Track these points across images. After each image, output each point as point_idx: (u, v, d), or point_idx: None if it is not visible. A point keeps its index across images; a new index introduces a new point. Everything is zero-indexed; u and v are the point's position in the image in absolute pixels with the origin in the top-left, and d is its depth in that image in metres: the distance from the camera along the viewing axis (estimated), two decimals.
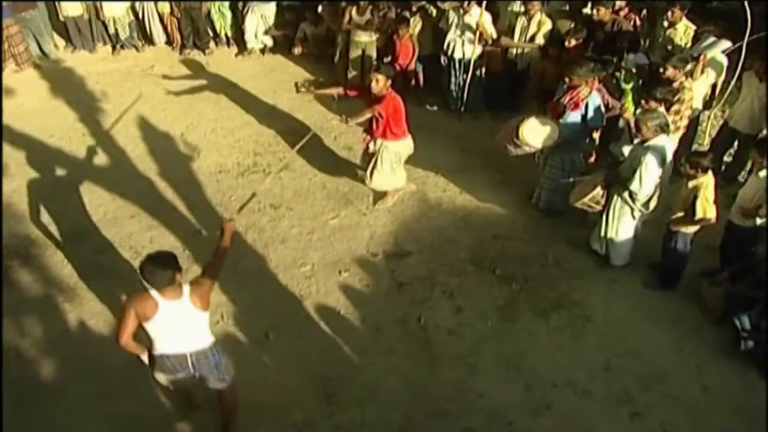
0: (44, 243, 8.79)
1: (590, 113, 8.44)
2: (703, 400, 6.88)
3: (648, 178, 7.47)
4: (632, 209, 7.87)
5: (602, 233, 8.19)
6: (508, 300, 8.01)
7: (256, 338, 7.57)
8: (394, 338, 7.61)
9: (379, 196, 9.52)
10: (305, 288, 8.19)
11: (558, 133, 8.39)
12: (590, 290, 8.11)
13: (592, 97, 8.43)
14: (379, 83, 8.58)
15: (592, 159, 9.36)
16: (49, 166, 10.19)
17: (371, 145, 9.16)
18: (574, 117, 8.49)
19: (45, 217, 9.21)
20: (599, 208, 8.05)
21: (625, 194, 7.78)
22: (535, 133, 8.40)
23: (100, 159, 10.33)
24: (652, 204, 7.78)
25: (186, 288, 5.65)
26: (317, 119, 11.40)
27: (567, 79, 8.57)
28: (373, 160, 9.12)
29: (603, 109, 8.53)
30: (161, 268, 5.49)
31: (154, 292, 5.55)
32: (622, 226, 8.05)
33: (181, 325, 5.70)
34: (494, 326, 7.71)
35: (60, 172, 10.07)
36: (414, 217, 9.27)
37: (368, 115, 8.83)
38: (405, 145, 9.15)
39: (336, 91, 9.70)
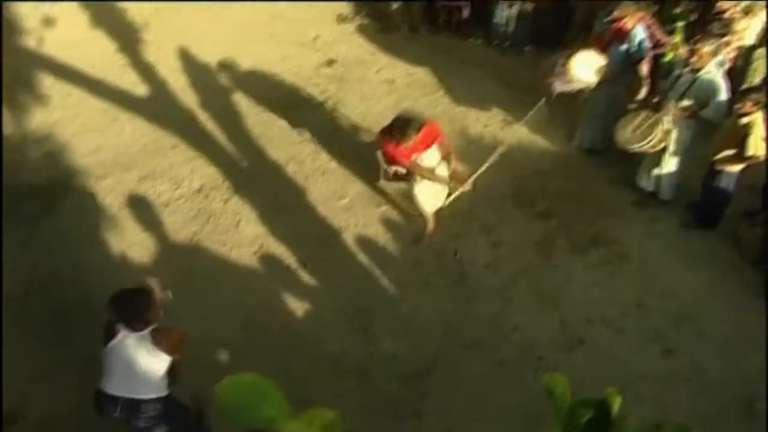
0: (86, 173, 9.13)
1: (635, 45, 8.47)
2: (735, 339, 7.12)
3: (719, 99, 7.55)
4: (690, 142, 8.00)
5: (655, 169, 8.29)
6: (545, 236, 8.25)
7: (294, 269, 7.94)
8: (430, 272, 7.93)
9: (420, 234, 8.44)
10: (344, 220, 8.49)
11: (605, 67, 8.43)
12: (628, 228, 8.30)
13: (638, 29, 8.43)
14: (414, 137, 7.45)
15: (642, 94, 9.29)
16: (91, 96, 10.45)
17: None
18: (619, 49, 8.52)
19: (86, 148, 9.50)
20: (661, 146, 8.00)
21: (692, 122, 7.85)
22: (584, 67, 8.40)
23: (142, 90, 10.60)
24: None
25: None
26: (359, 52, 11.54)
27: (613, 11, 8.60)
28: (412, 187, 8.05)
29: (648, 42, 8.56)
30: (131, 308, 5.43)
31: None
32: (678, 159, 8.15)
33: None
34: (531, 262, 7.98)
35: (101, 103, 10.34)
36: (454, 151, 9.41)
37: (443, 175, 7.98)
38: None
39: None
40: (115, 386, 5.56)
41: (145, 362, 5.48)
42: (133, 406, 5.57)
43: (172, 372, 5.61)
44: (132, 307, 5.44)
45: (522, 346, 7.15)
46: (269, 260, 8.06)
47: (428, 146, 7.68)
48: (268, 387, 3.14)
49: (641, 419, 2.98)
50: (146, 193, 8.86)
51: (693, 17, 9.14)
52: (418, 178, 7.86)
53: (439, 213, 8.28)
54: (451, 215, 8.46)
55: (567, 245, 8.13)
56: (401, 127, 7.37)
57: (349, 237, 8.30)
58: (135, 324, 5.43)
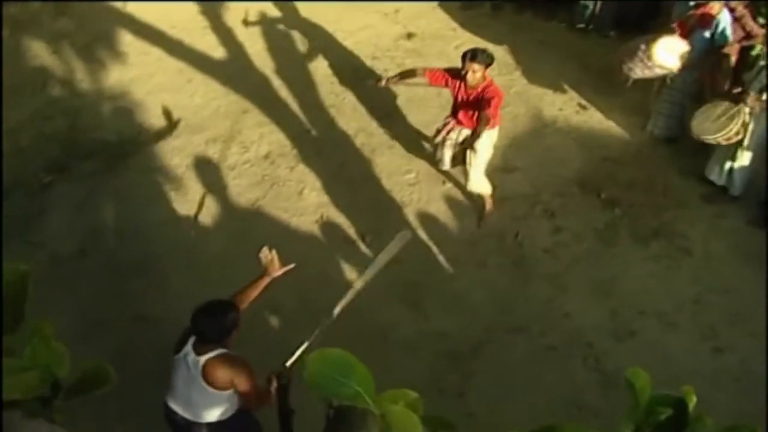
0: (156, 132, 9.42)
1: (718, 31, 8.35)
2: None
3: None
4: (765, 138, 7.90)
5: (728, 162, 8.19)
6: (608, 224, 8.26)
7: (353, 239, 8.13)
8: (488, 251, 8.03)
9: (480, 214, 8.52)
10: (407, 195, 8.62)
11: (687, 53, 8.28)
12: (693, 222, 8.26)
13: (724, 15, 8.33)
14: (477, 74, 7.57)
15: (727, 86, 9.14)
16: (168, 57, 10.71)
17: (453, 134, 8.22)
18: (702, 35, 8.43)
19: (159, 107, 9.77)
20: (737, 139, 7.90)
21: None
22: (668, 53, 8.22)
23: (219, 53, 10.82)
24: None
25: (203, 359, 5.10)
26: (439, 26, 11.57)
27: None
28: (468, 158, 8.05)
29: (730, 29, 8.40)
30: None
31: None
32: (750, 153, 8.05)
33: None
34: (590, 249, 8.01)
35: (178, 63, 10.59)
36: (526, 133, 9.48)
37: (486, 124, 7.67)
38: (496, 132, 8.12)
39: (420, 80, 8.34)
40: (175, 401, 5.36)
41: (199, 390, 5.16)
42: (190, 425, 5.36)
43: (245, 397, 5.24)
44: (210, 322, 5.11)
45: (571, 333, 7.21)
46: (329, 230, 8.26)
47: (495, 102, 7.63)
48: (357, 363, 3.27)
49: (716, 421, 3.04)
50: (213, 156, 9.10)
51: None
52: (477, 145, 7.82)
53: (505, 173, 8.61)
54: (516, 197, 8.56)
55: (629, 235, 8.13)
56: (471, 52, 7.57)
57: (410, 212, 8.43)
58: (203, 342, 5.12)
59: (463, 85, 7.76)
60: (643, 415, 4.48)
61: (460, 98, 7.90)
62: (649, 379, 4.22)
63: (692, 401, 4.46)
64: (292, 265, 5.95)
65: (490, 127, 7.81)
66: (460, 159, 8.31)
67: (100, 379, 3.26)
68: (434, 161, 8.64)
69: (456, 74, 7.76)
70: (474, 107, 7.76)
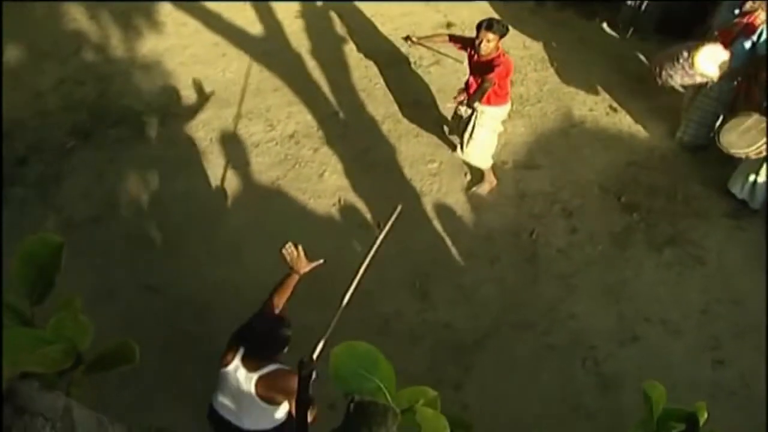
0: (185, 104, 9.61)
1: (761, 41, 8.29)
2: None
3: None
4: None
5: (752, 175, 8.21)
6: (625, 228, 8.34)
7: (368, 225, 8.28)
8: (502, 247, 8.15)
9: (476, 178, 8.87)
10: (428, 185, 8.74)
11: (728, 62, 8.22)
12: (710, 232, 8.30)
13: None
14: (490, 43, 7.72)
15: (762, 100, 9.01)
16: (205, 29, 10.85)
17: (462, 108, 8.42)
18: (745, 44, 8.37)
19: (191, 79, 9.94)
20: (765, 154, 7.87)
21: None
22: (710, 62, 8.18)
23: (256, 29, 10.95)
24: None
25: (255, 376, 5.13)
26: (480, 18, 11.48)
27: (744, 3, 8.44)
28: (469, 128, 8.30)
29: None
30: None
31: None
32: None
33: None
34: (604, 252, 8.11)
35: (214, 36, 10.74)
36: (552, 131, 9.56)
37: (487, 88, 7.88)
38: (505, 111, 8.43)
39: (442, 40, 8.74)
40: (224, 409, 5.35)
41: (253, 404, 5.18)
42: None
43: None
44: (264, 340, 5.17)
45: (575, 333, 7.33)
46: (345, 214, 8.41)
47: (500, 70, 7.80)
48: (382, 359, 3.34)
49: None
50: (239, 132, 9.26)
51: None
52: (481, 119, 8.17)
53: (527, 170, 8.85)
54: (535, 194, 8.67)
55: (644, 241, 8.21)
56: (486, 21, 7.79)
57: (428, 202, 8.56)
58: (253, 358, 5.14)
59: (476, 53, 7.93)
60: (656, 427, 4.60)
61: (473, 66, 8.09)
62: (665, 393, 4.37)
63: (703, 417, 4.58)
64: (320, 261, 5.93)
65: (495, 104, 8.11)
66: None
67: (124, 356, 3.17)
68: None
69: (472, 43, 7.94)
70: (484, 75, 7.88)
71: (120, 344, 3.22)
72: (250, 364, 5.12)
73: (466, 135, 8.34)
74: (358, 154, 9.06)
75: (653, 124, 9.63)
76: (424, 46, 9.09)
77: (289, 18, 11.08)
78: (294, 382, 4.22)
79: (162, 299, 7.49)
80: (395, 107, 9.72)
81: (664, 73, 8.58)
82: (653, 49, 10.33)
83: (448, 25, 11.26)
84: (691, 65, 8.19)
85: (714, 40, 8.48)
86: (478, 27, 7.79)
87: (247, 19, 11.01)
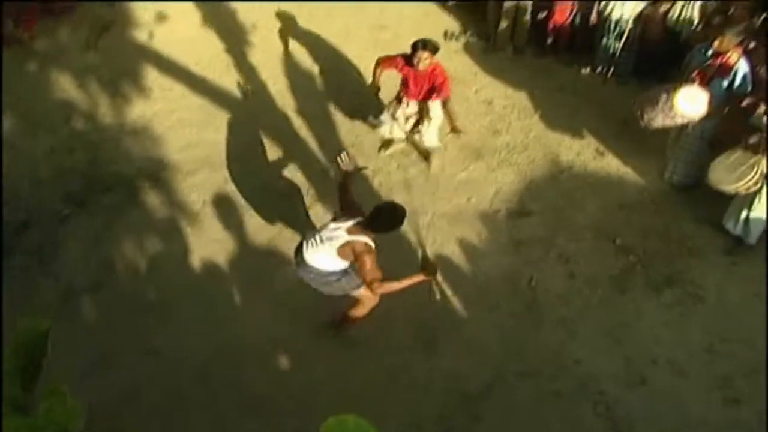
0: (176, 167, 9.45)
1: (738, 80, 8.28)
2: None
3: None
4: None
5: (745, 211, 8.05)
6: (622, 271, 8.13)
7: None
8: (501, 295, 7.91)
9: (428, 161, 9.64)
10: (422, 236, 8.50)
11: (707, 102, 8.18)
12: (708, 271, 8.10)
13: (742, 63, 8.27)
14: (427, 60, 8.56)
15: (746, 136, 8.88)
16: (191, 93, 10.80)
17: (406, 108, 9.24)
18: (721, 84, 8.34)
19: (180, 143, 9.83)
20: (755, 188, 7.80)
21: None
22: (689, 102, 8.14)
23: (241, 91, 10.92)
24: None
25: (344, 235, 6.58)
26: (462, 70, 11.56)
27: (713, 43, 8.48)
28: (426, 121, 9.16)
29: (750, 77, 8.34)
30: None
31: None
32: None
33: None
34: (604, 295, 7.88)
35: (201, 100, 10.66)
36: (543, 177, 9.41)
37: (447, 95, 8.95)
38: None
39: (386, 67, 9.20)
40: (306, 243, 6.86)
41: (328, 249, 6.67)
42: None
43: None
44: (375, 220, 6.56)
45: (582, 379, 7.08)
46: None
47: (435, 84, 8.80)
48: (371, 430, 3.20)
49: None
50: (231, 193, 9.08)
51: None
52: (434, 111, 9.07)
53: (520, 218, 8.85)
54: (530, 241, 8.48)
55: (643, 282, 7.99)
56: (419, 40, 8.59)
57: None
58: (354, 224, 6.62)
59: (414, 70, 8.75)
60: None
61: (412, 80, 8.91)
62: None
63: None
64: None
65: (441, 99, 8.93)
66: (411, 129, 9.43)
67: None
68: (451, 202, 8.60)
69: (408, 61, 8.74)
70: (424, 84, 8.87)
71: None
72: (351, 230, 6.58)
73: (424, 127, 9.20)
74: None
75: (641, 165, 9.48)
76: (379, 82, 9.43)
77: (274, 77, 11.02)
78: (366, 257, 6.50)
79: (163, 364, 7.25)
80: (384, 161, 9.58)
81: (646, 115, 8.53)
82: (633, 92, 10.21)
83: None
84: (672, 107, 8.16)
85: (691, 81, 8.46)
86: (415, 47, 8.56)
87: (233, 82, 10.91)
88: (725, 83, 8.33)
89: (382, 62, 9.13)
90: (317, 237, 6.75)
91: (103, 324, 7.57)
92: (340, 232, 6.58)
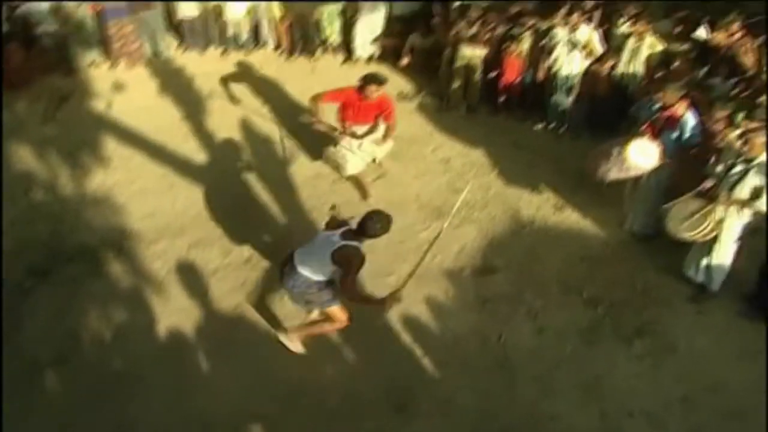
0: (139, 236, 9.22)
1: (687, 132, 8.38)
2: None
3: None
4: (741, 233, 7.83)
5: (705, 259, 8.07)
6: (591, 323, 8.02)
7: (335, 343, 7.77)
8: (472, 354, 7.72)
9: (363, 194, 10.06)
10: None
11: (659, 154, 8.30)
12: (676, 319, 8.02)
13: (688, 116, 8.38)
14: (377, 93, 9.24)
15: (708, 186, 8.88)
16: (151, 161, 10.68)
17: (354, 142, 9.64)
18: (671, 136, 8.44)
19: (141, 212, 9.64)
20: (712, 236, 7.85)
21: (744, 213, 7.69)
22: (641, 155, 8.28)
23: (201, 158, 10.76)
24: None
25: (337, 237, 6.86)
26: (417, 130, 11.59)
27: (656, 97, 8.60)
28: (369, 150, 9.73)
29: (699, 128, 8.44)
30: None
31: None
32: (728, 250, 7.95)
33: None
34: (575, 349, 7.74)
35: (161, 168, 10.52)
36: (504, 234, 9.36)
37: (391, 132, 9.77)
38: None
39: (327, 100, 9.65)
40: (298, 253, 7.13)
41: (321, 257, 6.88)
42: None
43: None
44: (366, 223, 6.79)
45: None
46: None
47: (382, 113, 9.52)
48: None
49: None
50: (195, 260, 8.87)
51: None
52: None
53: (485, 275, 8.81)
54: (497, 298, 8.36)
55: (612, 334, 7.87)
56: (370, 75, 9.33)
57: (393, 314, 8.08)
58: (347, 230, 6.91)
59: (362, 101, 9.32)
60: None
61: (358, 109, 9.45)
62: None
63: None
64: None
65: (387, 124, 9.65)
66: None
67: None
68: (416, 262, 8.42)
69: (355, 93, 9.34)
70: (371, 112, 9.50)
71: None
72: (344, 234, 6.86)
73: (368, 156, 9.73)
74: None
75: (600, 217, 9.50)
76: (319, 121, 9.64)
77: (233, 144, 10.90)
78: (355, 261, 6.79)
79: None
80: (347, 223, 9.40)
81: (600, 169, 8.66)
82: (586, 146, 10.29)
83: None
84: (624, 160, 8.29)
85: (642, 134, 8.59)
86: (366, 80, 9.21)
87: (192, 149, 10.84)
88: (675, 135, 8.43)
89: (324, 96, 9.47)
90: (310, 244, 7.08)
91: (70, 398, 7.21)
92: (335, 237, 6.82)
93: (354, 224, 6.91)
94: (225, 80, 12.52)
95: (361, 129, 9.62)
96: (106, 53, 13.36)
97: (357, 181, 10.04)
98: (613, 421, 6.98)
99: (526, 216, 9.68)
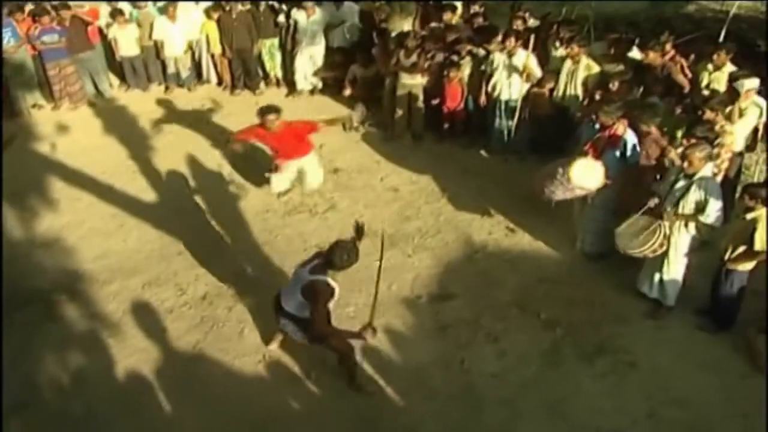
0: (92, 278, 8.97)
1: (629, 151, 8.40)
2: None
3: (718, 204, 7.42)
4: (689, 247, 7.84)
5: (657, 274, 8.06)
6: (552, 344, 7.90)
7: (299, 378, 7.56)
8: (436, 381, 7.54)
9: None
10: (349, 328, 8.15)
11: (603, 173, 8.26)
12: (635, 336, 7.94)
13: (629, 135, 8.41)
14: (275, 123, 9.46)
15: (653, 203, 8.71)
16: (99, 202, 10.46)
17: (291, 166, 10.01)
18: (613, 155, 8.44)
19: (92, 253, 9.41)
20: (661, 251, 7.85)
21: (690, 227, 7.71)
22: (584, 174, 8.23)
23: (150, 196, 10.52)
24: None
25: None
26: (363, 160, 11.49)
27: (595, 118, 8.64)
28: (309, 170, 10.10)
29: (639, 147, 8.46)
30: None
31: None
32: (679, 265, 7.95)
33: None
34: (538, 371, 7.59)
35: (109, 208, 10.29)
36: (458, 259, 9.24)
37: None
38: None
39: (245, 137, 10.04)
40: (283, 292, 7.15)
41: (296, 294, 6.87)
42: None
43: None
44: (334, 254, 6.75)
45: None
46: (273, 369, 7.69)
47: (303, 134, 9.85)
48: None
49: None
50: (150, 300, 8.62)
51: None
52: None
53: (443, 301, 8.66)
54: (457, 324, 8.21)
55: (573, 354, 7.75)
56: (264, 107, 9.61)
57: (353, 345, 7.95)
58: (315, 264, 6.89)
59: (269, 133, 9.57)
60: None
61: (274, 142, 9.80)
62: None
63: None
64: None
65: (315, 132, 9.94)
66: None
67: None
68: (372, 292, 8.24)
69: (261, 128, 9.58)
70: (289, 142, 9.71)
71: None
72: (312, 269, 6.84)
73: (310, 175, 10.13)
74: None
75: (552, 238, 9.46)
76: (240, 140, 10.06)
77: (181, 182, 10.76)
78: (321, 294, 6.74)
79: None
80: (300, 257, 9.11)
81: (546, 190, 8.64)
82: (533, 168, 10.24)
83: (336, 170, 11.40)
84: (569, 180, 8.24)
85: (585, 154, 8.58)
86: (260, 113, 9.51)
87: (140, 188, 10.66)
88: (617, 154, 8.44)
89: (237, 135, 10.02)
90: (290, 282, 7.14)
91: None
92: (304, 273, 6.84)
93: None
94: (170, 117, 12.31)
95: (289, 170, 10.06)
96: (49, 95, 13.11)
97: None
98: None
99: (478, 240, 9.58)
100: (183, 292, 8.71)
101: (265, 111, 9.47)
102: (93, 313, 8.43)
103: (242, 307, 8.48)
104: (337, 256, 6.69)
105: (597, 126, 8.67)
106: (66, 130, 12.07)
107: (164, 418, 7.15)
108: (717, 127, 8.53)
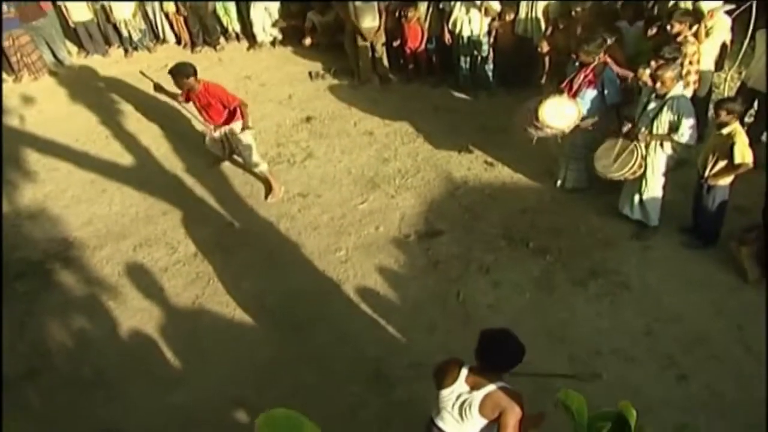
0: (82, 244, 8.94)
1: (607, 88, 8.27)
2: (747, 360, 6.81)
3: (691, 122, 7.46)
4: (666, 166, 7.89)
5: (636, 195, 8.14)
6: (543, 272, 8.00)
7: (301, 324, 7.62)
8: (435, 316, 7.63)
9: (268, 191, 9.60)
10: (342, 273, 8.22)
11: (578, 112, 8.17)
12: (624, 257, 8.06)
13: (607, 72, 8.28)
14: (193, 85, 8.81)
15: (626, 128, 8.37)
16: (77, 169, 10.36)
17: (217, 134, 9.40)
18: (591, 94, 8.32)
19: (79, 220, 9.36)
20: (641, 172, 7.89)
21: (666, 146, 7.74)
22: (555, 114, 8.15)
23: (127, 159, 10.43)
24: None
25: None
26: (335, 107, 11.44)
27: (575, 56, 8.52)
28: (242, 152, 9.42)
29: (618, 82, 8.37)
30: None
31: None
32: (657, 183, 8.01)
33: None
34: (532, 298, 7.71)
35: (89, 174, 10.22)
36: (441, 196, 9.28)
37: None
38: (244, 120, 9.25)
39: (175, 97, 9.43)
40: (446, 425, 5.10)
41: (474, 422, 4.91)
42: None
43: None
44: (499, 352, 5.05)
45: (535, 382, 6.88)
46: (273, 317, 7.73)
47: (218, 102, 8.93)
48: (304, 420, 2.98)
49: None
50: (144, 261, 8.61)
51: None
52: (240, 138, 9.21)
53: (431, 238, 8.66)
54: (447, 259, 8.28)
55: (566, 279, 7.87)
56: (172, 71, 8.80)
57: (349, 289, 8.01)
58: (479, 376, 4.95)
59: (193, 95, 8.94)
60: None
61: (199, 105, 9.04)
62: (584, 400, 3.98)
63: (632, 415, 4.29)
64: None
65: (234, 107, 9.08)
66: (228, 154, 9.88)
67: None
68: (361, 234, 8.31)
69: (181, 90, 8.99)
70: (211, 107, 8.97)
71: None
72: (475, 381, 4.92)
73: (245, 152, 9.34)
74: (265, 257, 8.52)
75: (531, 170, 9.51)
76: (165, 92, 9.42)
77: (156, 142, 10.71)
78: (518, 402, 4.79)
79: None
80: (285, 206, 9.29)
81: (523, 129, 8.53)
82: (503, 102, 10.34)
83: (308, 119, 11.26)
84: (538, 119, 8.17)
85: (560, 92, 8.46)
86: (173, 78, 8.78)
87: (116, 152, 10.59)
88: (594, 92, 8.33)
89: (181, 96, 9.18)
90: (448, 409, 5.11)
91: (46, 410, 6.93)
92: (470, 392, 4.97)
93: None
94: (133, 80, 12.11)
95: (216, 134, 9.41)
96: (8, 67, 12.81)
97: (265, 179, 9.63)
98: (582, 361, 6.96)
99: (458, 176, 9.62)
100: (174, 250, 8.69)
101: (176, 73, 8.78)
102: (89, 279, 8.40)
103: (235, 260, 8.49)
104: (493, 354, 5.08)
105: (576, 64, 8.53)
106: (31, 101, 11.86)
107: (175, 374, 7.21)
108: (680, 38, 8.57)
